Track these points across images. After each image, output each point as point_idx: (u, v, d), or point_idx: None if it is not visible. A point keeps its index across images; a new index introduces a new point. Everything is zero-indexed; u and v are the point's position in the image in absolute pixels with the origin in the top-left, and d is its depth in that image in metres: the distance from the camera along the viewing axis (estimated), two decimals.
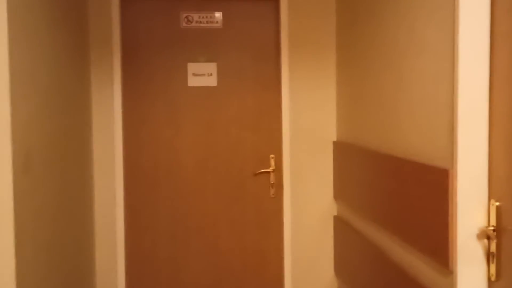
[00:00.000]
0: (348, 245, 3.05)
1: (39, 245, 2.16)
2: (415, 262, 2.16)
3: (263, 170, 3.39)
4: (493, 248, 1.74)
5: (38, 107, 2.17)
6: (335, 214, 3.42)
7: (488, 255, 1.76)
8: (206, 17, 3.32)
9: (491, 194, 1.76)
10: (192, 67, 3.31)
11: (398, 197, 2.25)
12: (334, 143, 3.35)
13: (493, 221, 1.73)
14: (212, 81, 3.33)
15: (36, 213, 2.13)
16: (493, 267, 1.74)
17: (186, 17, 3.30)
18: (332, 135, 3.39)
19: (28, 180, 2.03)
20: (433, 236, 1.92)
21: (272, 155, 3.38)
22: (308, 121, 3.36)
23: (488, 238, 1.76)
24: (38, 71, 2.19)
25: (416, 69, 2.10)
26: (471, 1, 1.74)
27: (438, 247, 1.87)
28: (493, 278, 1.74)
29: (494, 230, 1.72)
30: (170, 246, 3.33)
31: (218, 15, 3.33)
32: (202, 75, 3.32)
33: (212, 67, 3.33)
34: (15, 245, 1.88)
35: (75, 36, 2.83)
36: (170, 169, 3.32)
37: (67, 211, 2.61)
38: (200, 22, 3.32)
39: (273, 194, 3.40)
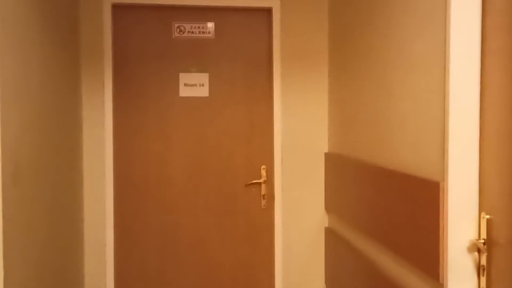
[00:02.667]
0: (339, 257, 3.05)
1: (28, 258, 2.13)
2: (406, 275, 2.16)
3: (254, 181, 3.38)
4: (483, 261, 1.74)
5: (28, 118, 2.15)
6: (326, 225, 3.41)
7: (479, 268, 1.76)
8: (198, 27, 3.33)
9: (482, 207, 1.77)
10: (184, 77, 3.31)
11: (389, 209, 2.25)
12: (326, 154, 3.35)
13: (483, 234, 1.74)
14: (204, 92, 3.32)
15: (25, 225, 2.10)
16: (483, 280, 1.74)
17: (178, 27, 3.31)
18: (324, 146, 3.39)
19: (17, 191, 2.01)
20: (424, 248, 1.91)
21: (263, 166, 3.38)
22: (300, 132, 3.37)
23: (479, 251, 1.76)
24: (29, 82, 2.17)
25: (408, 82, 2.11)
26: (462, 17, 1.76)
27: (429, 259, 1.87)
28: None
29: (484, 243, 1.72)
30: (160, 259, 3.31)
31: (210, 25, 3.34)
32: (194, 85, 3.32)
33: (204, 78, 3.32)
34: (3, 258, 1.85)
35: (66, 46, 2.82)
36: (161, 181, 3.30)
37: (56, 224, 2.58)
38: (192, 33, 3.32)
39: (264, 205, 3.38)
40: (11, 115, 1.95)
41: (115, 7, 3.23)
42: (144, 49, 3.27)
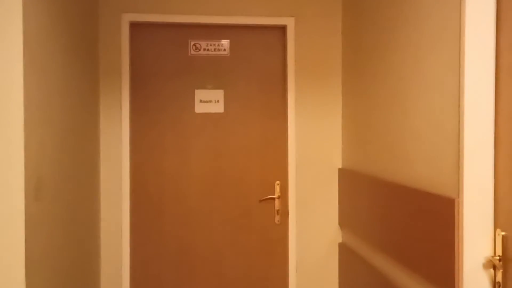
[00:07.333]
0: (353, 273, 3.05)
1: (48, 271, 2.17)
2: None
3: (268, 197, 3.40)
4: (499, 277, 1.74)
5: (49, 135, 2.21)
6: (340, 241, 3.41)
7: (494, 285, 1.77)
8: (214, 44, 3.38)
9: (497, 224, 1.77)
10: (199, 94, 3.36)
11: (403, 225, 2.26)
12: (340, 170, 3.36)
13: (499, 251, 1.74)
14: (219, 108, 3.37)
15: (46, 240, 2.15)
16: None
17: (194, 44, 3.37)
18: (338, 162, 3.41)
19: (39, 206, 2.06)
20: (439, 265, 1.92)
21: (277, 182, 3.40)
22: (314, 148, 3.39)
23: (494, 267, 1.77)
24: (50, 100, 2.23)
25: (422, 98, 2.14)
26: (476, 34, 1.78)
27: (445, 276, 1.88)
28: None
29: (500, 260, 1.73)
30: (176, 273, 3.33)
31: (225, 42, 3.39)
32: (209, 101, 3.36)
33: (219, 94, 3.37)
34: (26, 270, 1.89)
35: (86, 63, 2.88)
36: (176, 196, 3.33)
37: (75, 239, 2.62)
38: (208, 50, 3.38)
39: (278, 221, 3.40)
40: (34, 132, 2.01)
41: (133, 26, 3.30)
42: (161, 66, 3.33)
